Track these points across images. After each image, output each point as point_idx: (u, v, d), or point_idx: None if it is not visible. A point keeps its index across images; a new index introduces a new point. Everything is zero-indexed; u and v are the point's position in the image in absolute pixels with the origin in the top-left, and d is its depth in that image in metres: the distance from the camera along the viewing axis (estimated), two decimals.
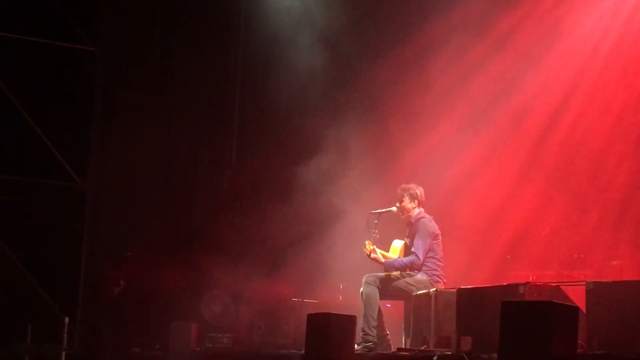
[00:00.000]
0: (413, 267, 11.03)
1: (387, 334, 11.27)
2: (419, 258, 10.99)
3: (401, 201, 11.33)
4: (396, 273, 11.09)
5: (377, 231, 11.24)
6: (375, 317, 11.03)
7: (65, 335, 13.27)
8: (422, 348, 10.39)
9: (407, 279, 11.04)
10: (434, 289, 10.57)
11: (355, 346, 10.30)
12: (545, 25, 13.74)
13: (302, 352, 10.46)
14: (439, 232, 11.21)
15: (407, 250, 11.21)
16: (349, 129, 14.51)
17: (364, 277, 11.15)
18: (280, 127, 15.51)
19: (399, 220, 11.53)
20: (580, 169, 13.56)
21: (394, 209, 11.36)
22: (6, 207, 14.20)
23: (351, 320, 9.95)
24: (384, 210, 11.39)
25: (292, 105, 15.23)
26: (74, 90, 14.60)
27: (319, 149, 14.46)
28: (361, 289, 11.15)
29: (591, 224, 13.36)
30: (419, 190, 11.31)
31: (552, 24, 13.67)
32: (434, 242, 11.11)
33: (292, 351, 12.40)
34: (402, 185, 11.39)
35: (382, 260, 11.11)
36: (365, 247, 11.12)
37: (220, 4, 15.67)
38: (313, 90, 15.03)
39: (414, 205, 11.29)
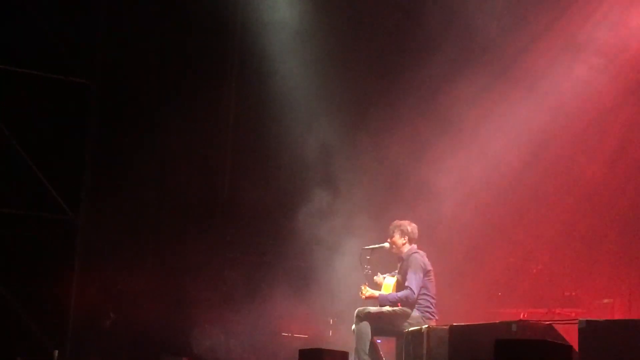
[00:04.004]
0: (408, 301, 11.01)
1: None
2: (414, 292, 10.97)
3: (392, 237, 11.36)
4: (388, 309, 11.08)
5: (369, 267, 11.26)
6: (367, 352, 11.00)
7: None
8: None
9: (400, 315, 11.02)
10: (426, 326, 10.56)
11: None
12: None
13: None
14: (431, 268, 11.21)
15: (399, 287, 11.21)
16: (341, 164, 14.58)
17: (356, 311, 11.13)
18: (272, 163, 15.53)
19: (392, 256, 11.55)
20: (573, 208, 13.61)
21: (386, 244, 11.39)
22: None
23: (343, 356, 9.90)
24: (376, 246, 11.44)
25: (284, 140, 15.27)
26: (67, 123, 14.58)
27: (311, 185, 14.51)
28: (353, 326, 11.13)
29: (582, 262, 13.41)
30: (411, 227, 11.35)
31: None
32: (425, 278, 11.10)
33: None
34: (395, 222, 11.43)
35: (377, 294, 11.11)
36: (361, 291, 11.15)
37: (215, 39, 15.70)
38: (306, 123, 15.10)
39: (404, 241, 11.32)
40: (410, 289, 11.00)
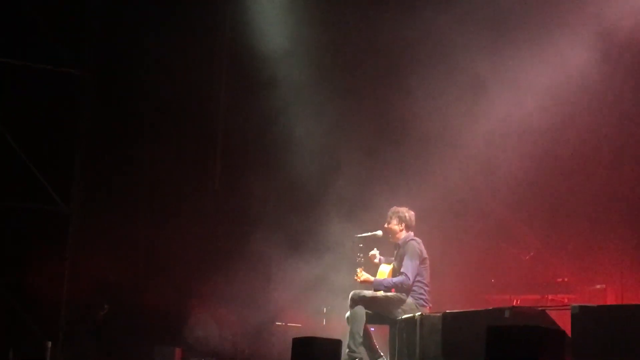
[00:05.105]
0: (402, 287, 10.96)
1: (382, 356, 11.20)
2: (409, 278, 10.93)
3: (389, 223, 11.33)
4: (383, 294, 11.05)
5: (362, 255, 11.25)
6: (361, 334, 10.94)
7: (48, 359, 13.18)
8: None
9: (394, 301, 11.01)
10: (419, 313, 10.55)
11: None
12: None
13: None
14: (426, 256, 11.18)
15: (395, 274, 11.19)
16: (335, 153, 14.56)
17: (351, 294, 11.04)
18: (264, 153, 15.52)
19: (385, 243, 11.52)
20: (566, 194, 13.60)
21: (379, 233, 11.37)
22: None
23: (336, 344, 9.90)
24: (369, 234, 11.41)
25: (276, 131, 15.25)
26: (59, 114, 14.57)
27: (303, 173, 14.50)
28: (347, 313, 11.12)
29: (575, 249, 13.42)
30: (409, 214, 11.30)
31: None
32: (421, 266, 11.07)
33: None
34: (393, 208, 11.40)
35: (372, 279, 11.11)
36: (357, 274, 11.15)
37: (205, 31, 15.71)
38: (297, 115, 15.08)
39: (400, 228, 11.28)
40: (406, 275, 10.95)
